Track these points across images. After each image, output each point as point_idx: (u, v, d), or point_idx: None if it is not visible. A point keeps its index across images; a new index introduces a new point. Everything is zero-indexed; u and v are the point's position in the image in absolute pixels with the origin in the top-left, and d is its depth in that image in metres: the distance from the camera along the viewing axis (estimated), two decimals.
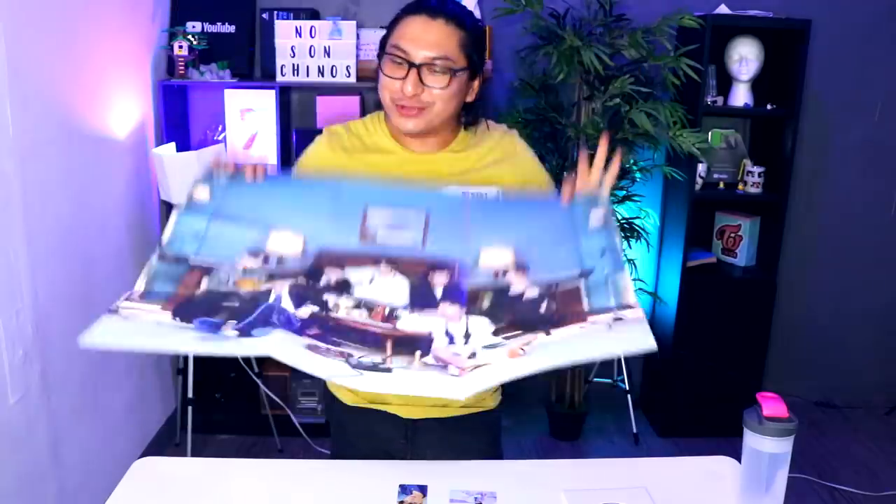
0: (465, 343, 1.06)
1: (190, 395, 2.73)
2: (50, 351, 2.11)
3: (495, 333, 1.07)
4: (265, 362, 2.99)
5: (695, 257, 3.16)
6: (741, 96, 3.02)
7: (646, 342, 1.01)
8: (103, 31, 2.48)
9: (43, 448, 2.08)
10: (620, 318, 1.05)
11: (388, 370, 1.03)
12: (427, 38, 1.25)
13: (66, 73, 2.23)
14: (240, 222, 1.12)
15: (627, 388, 3.23)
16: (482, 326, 1.07)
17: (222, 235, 1.11)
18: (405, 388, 1.02)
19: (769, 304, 3.14)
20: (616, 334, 1.03)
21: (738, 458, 1.26)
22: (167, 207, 2.90)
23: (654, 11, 2.83)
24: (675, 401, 3.19)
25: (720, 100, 3.06)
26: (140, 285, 1.09)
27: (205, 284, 1.09)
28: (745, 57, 2.97)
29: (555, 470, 1.40)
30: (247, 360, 2.91)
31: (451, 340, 1.07)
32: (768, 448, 1.16)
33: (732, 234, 3.21)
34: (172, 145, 2.78)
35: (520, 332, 1.06)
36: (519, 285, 1.09)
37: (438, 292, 1.08)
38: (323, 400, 3.04)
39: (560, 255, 1.11)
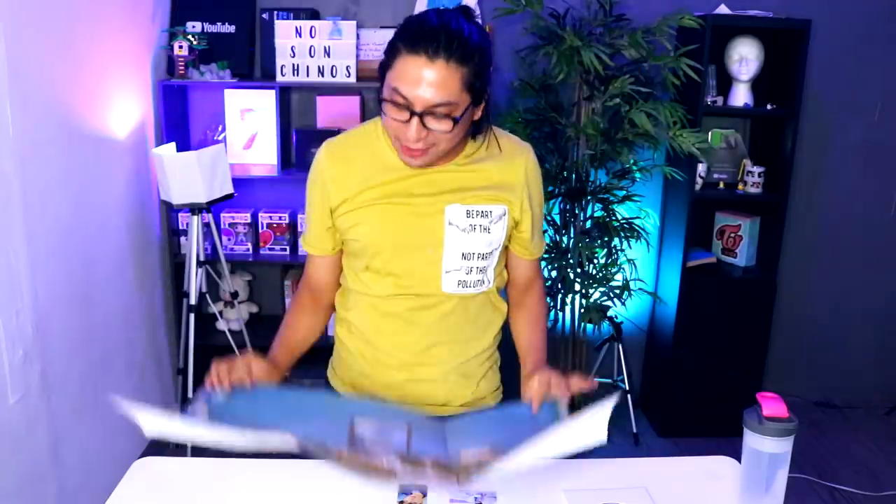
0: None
1: (190, 395, 2.73)
2: (50, 351, 2.11)
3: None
4: None
5: (695, 257, 3.16)
6: (741, 96, 3.02)
7: (600, 435, 1.11)
8: (103, 31, 2.48)
9: (43, 448, 2.08)
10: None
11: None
12: (427, 83, 1.17)
13: (66, 73, 2.23)
14: (235, 423, 1.19)
15: (627, 388, 3.23)
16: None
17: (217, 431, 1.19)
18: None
19: (769, 304, 3.14)
20: (577, 427, 1.15)
21: (738, 458, 1.26)
22: (167, 207, 2.90)
23: (654, 11, 2.83)
24: (675, 401, 3.19)
25: (720, 100, 3.06)
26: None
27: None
28: (745, 57, 2.97)
29: (555, 470, 1.40)
30: None
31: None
32: (768, 448, 1.16)
33: (732, 234, 3.21)
34: (172, 145, 2.78)
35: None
36: (500, 462, 1.17)
37: (427, 463, 1.16)
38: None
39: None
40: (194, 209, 2.64)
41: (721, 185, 3.13)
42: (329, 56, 2.87)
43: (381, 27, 3.00)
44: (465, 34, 1.19)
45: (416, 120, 1.20)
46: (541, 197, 1.45)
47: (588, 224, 3.02)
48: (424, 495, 1.25)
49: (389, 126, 1.26)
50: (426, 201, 1.34)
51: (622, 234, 2.96)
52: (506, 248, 1.46)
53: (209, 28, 3.00)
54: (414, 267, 1.36)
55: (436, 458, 1.17)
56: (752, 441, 1.18)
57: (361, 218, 1.35)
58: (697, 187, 3.05)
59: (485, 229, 1.36)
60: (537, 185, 1.43)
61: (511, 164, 1.39)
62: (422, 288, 1.37)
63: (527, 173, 1.40)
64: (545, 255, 3.00)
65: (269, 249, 3.09)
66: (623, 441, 3.19)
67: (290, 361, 1.42)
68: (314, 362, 1.49)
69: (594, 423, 1.10)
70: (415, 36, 1.18)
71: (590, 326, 3.14)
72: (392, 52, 1.21)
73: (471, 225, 1.35)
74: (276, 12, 2.99)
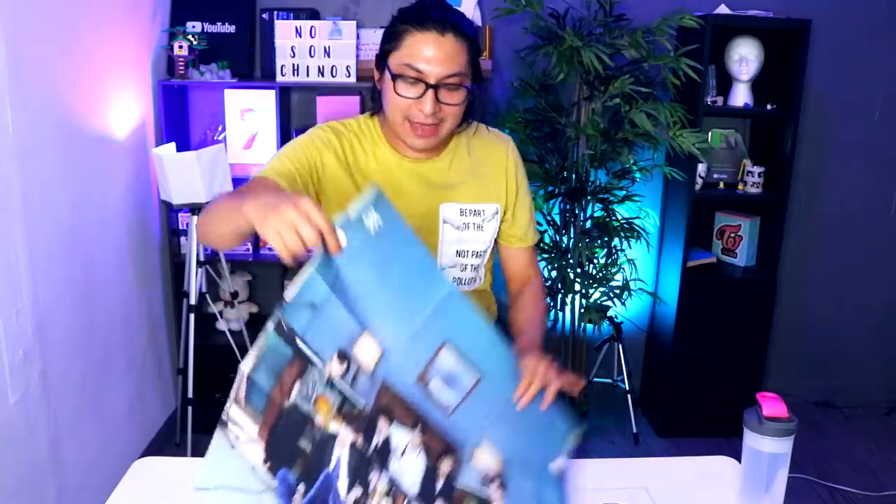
0: None
1: (190, 395, 2.73)
2: (50, 351, 2.11)
3: None
4: None
5: (695, 257, 3.16)
6: (741, 96, 3.02)
7: None
8: (103, 31, 2.48)
9: (43, 448, 2.07)
10: None
11: None
12: (441, 56, 1.25)
13: (66, 73, 2.23)
14: (346, 307, 1.11)
15: (627, 388, 3.23)
16: None
17: (329, 320, 1.12)
18: None
19: (769, 304, 3.14)
20: None
21: (738, 458, 1.26)
22: (167, 207, 2.90)
23: (654, 11, 2.83)
24: (675, 401, 3.19)
25: (720, 100, 3.06)
26: (246, 366, 1.07)
27: (295, 391, 1.11)
28: (745, 57, 2.97)
29: None
30: None
31: None
32: (768, 448, 1.16)
33: (732, 234, 3.21)
34: (172, 145, 2.78)
35: None
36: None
37: (439, 485, 1.16)
38: None
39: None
40: (194, 209, 2.64)
41: (721, 185, 3.13)
42: (329, 56, 2.87)
43: (381, 27, 2.98)
44: (461, 18, 1.29)
45: (430, 93, 1.25)
46: (526, 185, 1.51)
47: (588, 224, 3.02)
48: None
49: (398, 106, 1.28)
50: (419, 197, 1.36)
51: (622, 234, 2.96)
52: (495, 243, 1.48)
53: (209, 28, 3.00)
54: None
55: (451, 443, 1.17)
56: (752, 441, 1.18)
57: None
58: (697, 187, 3.05)
59: (478, 227, 1.40)
60: (522, 173, 1.49)
61: (494, 155, 1.45)
62: None
63: (508, 163, 1.45)
64: (545, 256, 3.00)
65: (269, 249, 3.09)
66: (623, 441, 3.19)
67: None
68: None
69: None
70: (422, 16, 1.25)
71: (590, 326, 3.14)
72: (396, 34, 1.27)
73: (465, 223, 1.38)
74: (276, 12, 2.99)
